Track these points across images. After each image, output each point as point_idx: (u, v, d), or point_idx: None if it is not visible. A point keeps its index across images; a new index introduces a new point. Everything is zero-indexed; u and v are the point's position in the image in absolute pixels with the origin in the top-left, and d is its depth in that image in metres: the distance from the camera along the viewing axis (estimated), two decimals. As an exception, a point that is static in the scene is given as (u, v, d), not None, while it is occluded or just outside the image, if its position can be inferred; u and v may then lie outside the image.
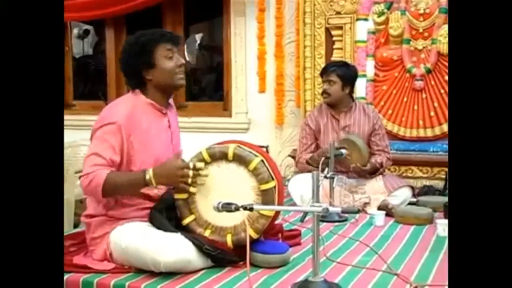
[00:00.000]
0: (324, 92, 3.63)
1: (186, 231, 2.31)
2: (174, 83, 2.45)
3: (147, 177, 2.25)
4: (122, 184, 2.28)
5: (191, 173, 2.27)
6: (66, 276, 2.19)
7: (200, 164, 2.30)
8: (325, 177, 3.08)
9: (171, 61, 2.41)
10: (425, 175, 3.98)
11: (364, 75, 4.10)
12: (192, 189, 2.31)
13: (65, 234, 2.82)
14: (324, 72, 3.66)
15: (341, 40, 4.19)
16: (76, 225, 3.68)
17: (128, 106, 2.37)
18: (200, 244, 2.22)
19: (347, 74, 3.60)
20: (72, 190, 4.03)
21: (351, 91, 3.68)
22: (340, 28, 4.19)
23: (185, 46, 5.32)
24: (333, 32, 4.22)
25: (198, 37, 5.81)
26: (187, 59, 5.57)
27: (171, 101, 2.58)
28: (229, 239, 2.29)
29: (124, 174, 2.31)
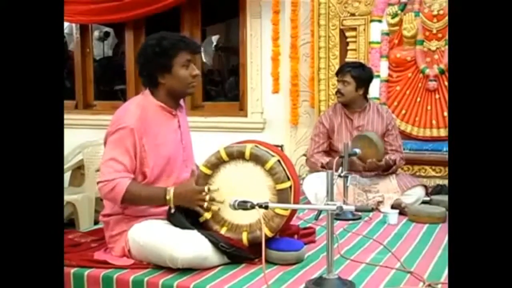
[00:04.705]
0: (338, 92, 3.67)
1: (203, 228, 2.35)
2: (185, 91, 2.50)
3: (168, 197, 2.32)
4: (142, 198, 2.35)
5: (207, 197, 2.33)
6: (86, 271, 2.24)
7: (214, 187, 2.36)
8: (339, 176, 3.10)
9: (187, 70, 2.43)
10: (438, 175, 3.98)
11: (378, 76, 4.10)
12: (206, 215, 2.37)
13: (86, 230, 2.89)
14: (339, 72, 3.70)
15: (355, 41, 4.20)
16: (96, 222, 3.74)
17: (138, 109, 2.40)
18: (216, 241, 2.25)
19: (362, 76, 3.63)
20: (92, 187, 4.09)
21: (365, 92, 3.70)
22: (354, 29, 4.19)
23: (202, 48, 5.36)
24: (347, 34, 4.23)
25: (214, 38, 5.86)
26: (204, 60, 5.61)
27: (181, 101, 2.61)
28: (244, 237, 2.32)
29: (144, 188, 2.36)
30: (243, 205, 2.03)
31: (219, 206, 2.37)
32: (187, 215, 2.37)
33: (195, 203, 2.35)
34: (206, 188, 2.34)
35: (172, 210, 2.35)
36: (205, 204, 2.34)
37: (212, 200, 2.35)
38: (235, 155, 2.37)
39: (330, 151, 3.73)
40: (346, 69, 3.66)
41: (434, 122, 4.04)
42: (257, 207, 2.02)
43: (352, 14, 4.20)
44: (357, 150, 3.34)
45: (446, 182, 3.87)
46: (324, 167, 3.55)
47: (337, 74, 3.74)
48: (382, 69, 4.17)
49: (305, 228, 2.79)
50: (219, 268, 2.26)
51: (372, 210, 3.24)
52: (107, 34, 6.13)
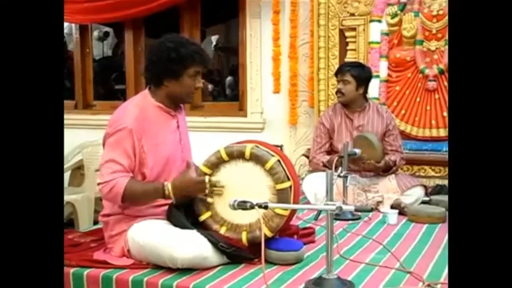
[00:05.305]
0: (338, 92, 3.67)
1: (202, 227, 2.36)
2: (184, 99, 2.52)
3: (166, 192, 2.33)
4: (141, 194, 2.36)
5: (208, 185, 2.34)
6: (86, 271, 2.24)
7: (214, 179, 2.37)
8: (339, 176, 3.10)
9: (193, 81, 2.44)
10: (437, 175, 3.98)
11: (377, 76, 4.11)
12: (209, 200, 2.37)
13: (85, 230, 2.90)
14: (339, 72, 3.70)
15: (354, 42, 4.21)
16: (96, 222, 3.75)
17: (137, 109, 2.41)
18: (216, 241, 2.26)
19: (362, 75, 3.63)
20: (92, 187, 4.11)
21: (365, 92, 3.71)
22: (354, 29, 4.20)
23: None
24: (347, 34, 4.23)
25: (214, 39, 5.87)
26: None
27: None
28: (244, 237, 2.32)
29: (143, 184, 2.37)
30: (243, 205, 2.03)
31: (217, 211, 2.38)
32: (186, 214, 2.38)
33: (196, 191, 2.36)
34: (206, 178, 2.35)
35: (174, 202, 2.35)
36: (207, 191, 2.34)
37: (213, 186, 2.35)
38: (235, 155, 2.37)
39: (331, 151, 3.74)
40: (346, 68, 3.66)
41: (433, 122, 4.04)
42: (256, 207, 2.02)
43: (352, 14, 4.20)
44: (357, 150, 3.34)
45: (445, 182, 3.88)
46: (326, 166, 3.55)
47: (336, 74, 3.74)
48: (382, 69, 4.17)
49: (304, 228, 2.79)
50: (218, 268, 2.26)
51: (371, 210, 3.24)
52: (106, 34, 6.14)
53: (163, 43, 2.44)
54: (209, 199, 2.37)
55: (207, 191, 2.35)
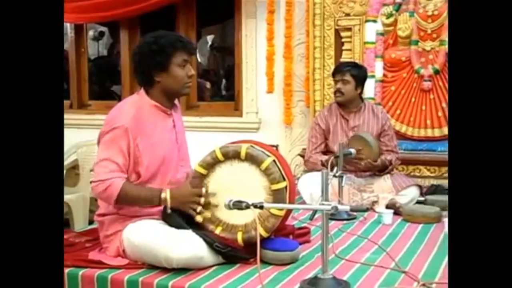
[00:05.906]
0: (337, 91, 3.66)
1: (198, 227, 2.35)
2: (180, 91, 2.50)
3: (163, 196, 2.32)
4: (136, 198, 2.35)
5: (202, 201, 2.34)
6: (81, 271, 2.24)
7: (212, 191, 2.37)
8: (334, 176, 3.10)
9: (183, 70, 2.44)
10: (432, 175, 3.99)
11: (373, 76, 4.12)
12: (198, 218, 2.37)
13: (80, 230, 2.89)
14: (337, 72, 3.69)
15: (350, 42, 4.22)
16: (91, 222, 3.74)
17: (133, 108, 2.40)
18: (211, 241, 2.25)
19: (360, 74, 3.65)
20: (87, 187, 4.09)
21: (361, 92, 3.72)
22: (349, 29, 4.21)
23: (197, 48, 5.35)
24: (342, 34, 4.25)
25: (209, 38, 5.87)
26: (199, 60, 5.61)
27: (176, 101, 2.61)
28: (239, 237, 2.32)
29: (139, 189, 2.36)
30: (238, 205, 2.04)
31: (212, 212, 2.37)
32: (182, 214, 2.37)
33: (188, 205, 2.35)
34: (203, 191, 2.34)
35: (168, 211, 2.35)
36: (199, 208, 2.35)
37: (207, 204, 2.36)
38: (231, 155, 2.36)
39: (327, 152, 3.74)
40: (345, 68, 3.66)
41: (428, 122, 4.06)
42: (252, 207, 2.03)
43: (347, 14, 4.21)
44: (352, 150, 3.35)
45: (440, 182, 3.89)
46: (324, 165, 3.54)
47: (334, 74, 3.73)
48: (377, 69, 4.18)
49: (300, 228, 2.79)
50: (214, 268, 2.26)
51: (367, 210, 3.24)
52: (101, 34, 6.12)
53: (142, 41, 2.48)
54: (198, 217, 2.37)
55: (199, 208, 2.35)
